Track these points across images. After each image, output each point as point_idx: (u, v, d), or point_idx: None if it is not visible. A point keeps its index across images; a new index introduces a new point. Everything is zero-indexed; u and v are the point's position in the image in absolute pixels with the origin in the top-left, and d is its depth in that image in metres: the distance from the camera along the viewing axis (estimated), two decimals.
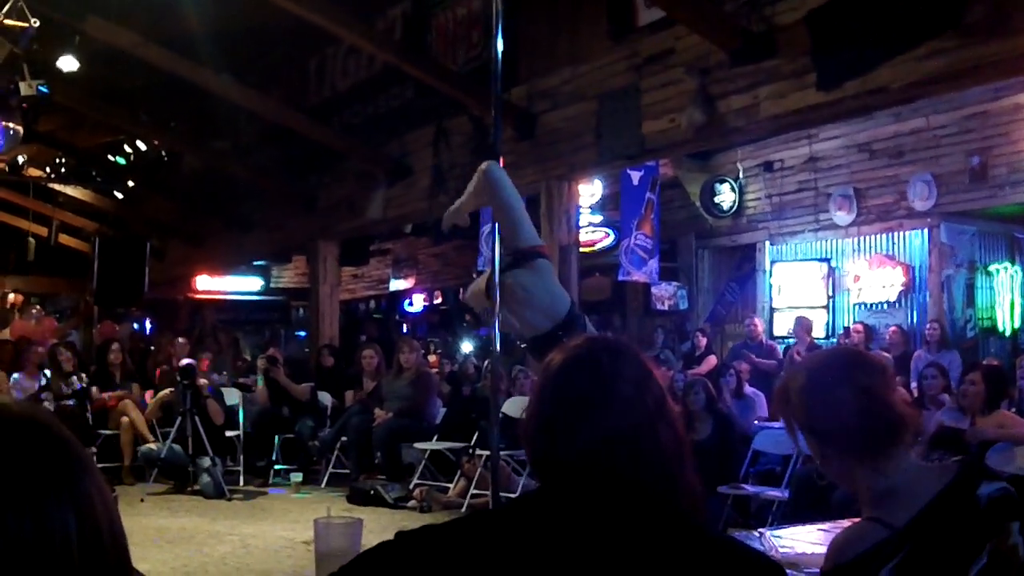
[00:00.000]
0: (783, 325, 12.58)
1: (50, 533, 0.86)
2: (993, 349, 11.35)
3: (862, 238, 12.23)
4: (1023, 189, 10.57)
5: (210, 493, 9.78)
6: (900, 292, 11.77)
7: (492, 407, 4.74)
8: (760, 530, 4.27)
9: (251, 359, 15.27)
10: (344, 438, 10.61)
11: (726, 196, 13.34)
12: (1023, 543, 1.90)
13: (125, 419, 10.88)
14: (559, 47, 10.00)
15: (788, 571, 1.71)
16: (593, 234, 14.10)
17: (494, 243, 4.23)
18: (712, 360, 11.83)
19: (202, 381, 10.39)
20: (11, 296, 19.42)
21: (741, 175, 13.29)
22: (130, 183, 17.04)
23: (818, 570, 2.03)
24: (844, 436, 2.01)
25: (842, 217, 12.23)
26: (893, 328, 11.15)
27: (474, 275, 13.77)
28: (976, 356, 10.58)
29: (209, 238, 17.32)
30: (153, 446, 10.47)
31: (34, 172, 16.10)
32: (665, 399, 1.64)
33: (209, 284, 19.23)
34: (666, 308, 13.97)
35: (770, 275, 13.13)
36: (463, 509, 9.03)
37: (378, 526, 7.58)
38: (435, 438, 10.16)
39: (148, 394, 11.57)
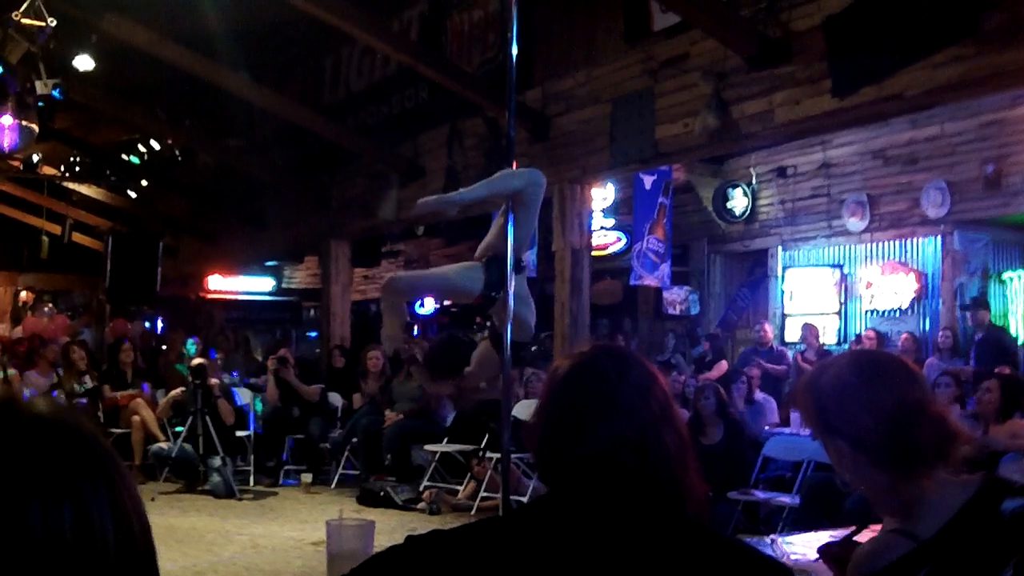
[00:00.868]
0: (795, 331, 12.55)
1: (90, 529, 0.87)
2: None
3: (875, 245, 12.19)
4: None
5: (220, 493, 9.80)
6: (912, 299, 11.72)
7: (503, 410, 4.74)
8: (771, 536, 4.26)
9: (262, 359, 15.31)
10: (354, 439, 10.62)
11: (739, 201, 13.31)
12: None
13: (136, 418, 10.91)
14: (574, 50, 10.00)
15: None
16: (605, 238, 14.08)
17: (506, 257, 4.22)
18: (723, 365, 11.80)
19: (213, 381, 10.41)
20: (23, 293, 19.50)
21: (754, 180, 13.26)
22: (144, 182, 17.08)
23: None
24: (887, 447, 1.90)
25: (855, 223, 12.19)
26: (905, 335, 11.11)
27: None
28: None
29: (222, 236, 17.37)
30: (164, 445, 10.50)
31: (49, 170, 16.18)
32: (670, 404, 1.65)
33: (221, 284, 19.26)
34: (677, 312, 13.94)
35: (782, 281, 13.10)
36: (472, 511, 9.04)
37: (387, 527, 7.59)
38: (445, 440, 10.16)
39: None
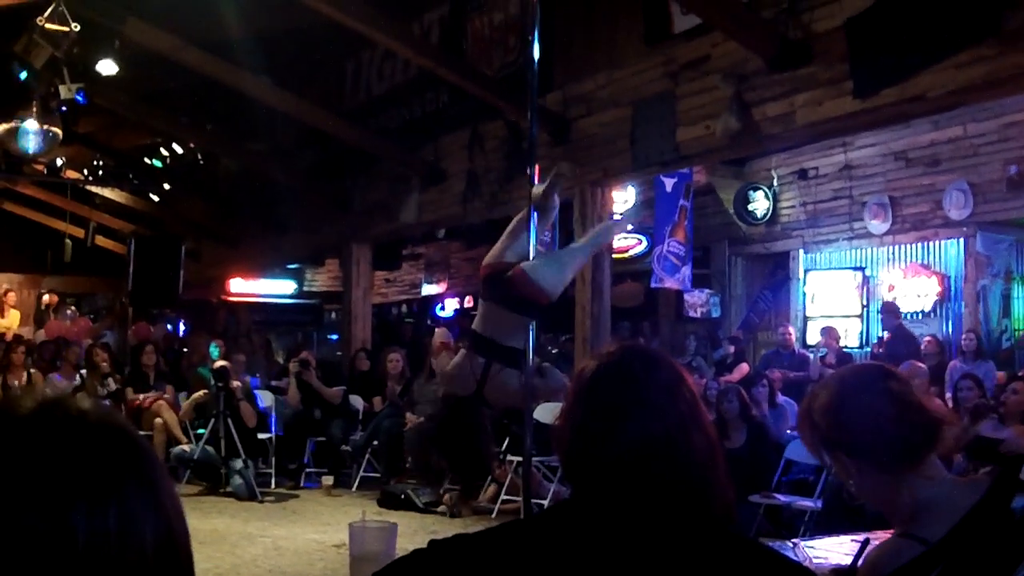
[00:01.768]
0: (816, 334, 12.49)
1: (132, 533, 0.86)
2: None
3: (897, 247, 12.13)
4: None
5: (242, 495, 9.85)
6: (935, 302, 11.66)
7: (524, 413, 4.74)
8: (793, 540, 4.24)
9: (283, 362, 15.36)
10: (375, 442, 10.65)
11: (760, 203, 13.27)
12: None
13: (159, 420, 10.97)
14: (595, 53, 9.99)
15: None
16: (626, 240, 14.07)
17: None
18: (744, 368, 11.77)
19: (235, 383, 10.46)
20: (46, 296, 19.64)
21: (775, 182, 13.22)
22: (166, 185, 17.18)
23: None
24: (881, 446, 1.98)
25: (877, 226, 12.13)
26: (928, 338, 11.03)
27: None
28: (1012, 367, 10.47)
29: (244, 240, 17.44)
30: (186, 447, 10.55)
31: (72, 174, 16.28)
32: (697, 404, 1.64)
33: (243, 286, 19.35)
34: (698, 315, 13.91)
35: (804, 283, 13.05)
36: (493, 514, 9.05)
37: (408, 530, 7.60)
38: None
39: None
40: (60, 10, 9.32)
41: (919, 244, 11.91)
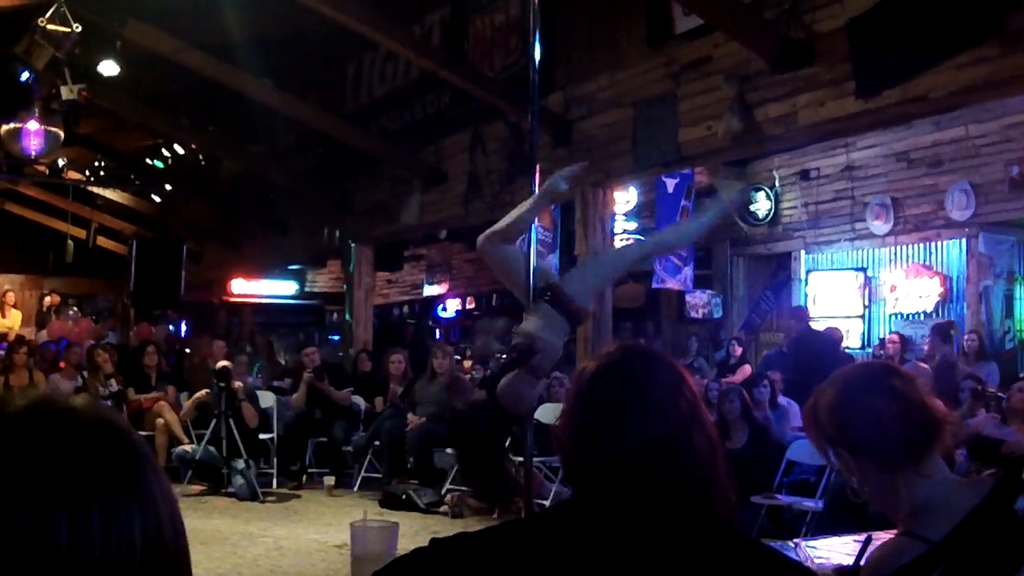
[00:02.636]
0: None
1: (115, 533, 0.84)
2: None
3: (899, 247, 12.13)
4: None
5: (244, 495, 9.85)
6: (937, 302, 11.66)
7: (526, 416, 4.74)
8: (795, 540, 4.23)
9: (284, 363, 15.36)
10: (377, 442, 10.64)
11: (762, 204, 13.27)
12: None
13: (160, 420, 10.97)
14: (596, 54, 9.99)
15: None
16: (627, 241, 14.06)
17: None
18: (747, 369, 11.76)
19: (237, 384, 10.46)
20: (48, 297, 19.66)
21: (777, 183, 13.22)
22: (168, 187, 17.19)
23: None
24: (884, 444, 1.98)
25: (879, 226, 12.13)
26: (929, 339, 11.03)
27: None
28: (1015, 367, 10.47)
29: (245, 241, 17.45)
30: (188, 447, 10.55)
31: (74, 175, 16.29)
32: (699, 404, 1.64)
33: (244, 287, 19.36)
34: (700, 316, 13.91)
35: (805, 284, 13.05)
36: (494, 515, 9.04)
37: (410, 530, 7.59)
38: None
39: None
40: (61, 11, 9.33)
41: (921, 245, 11.91)
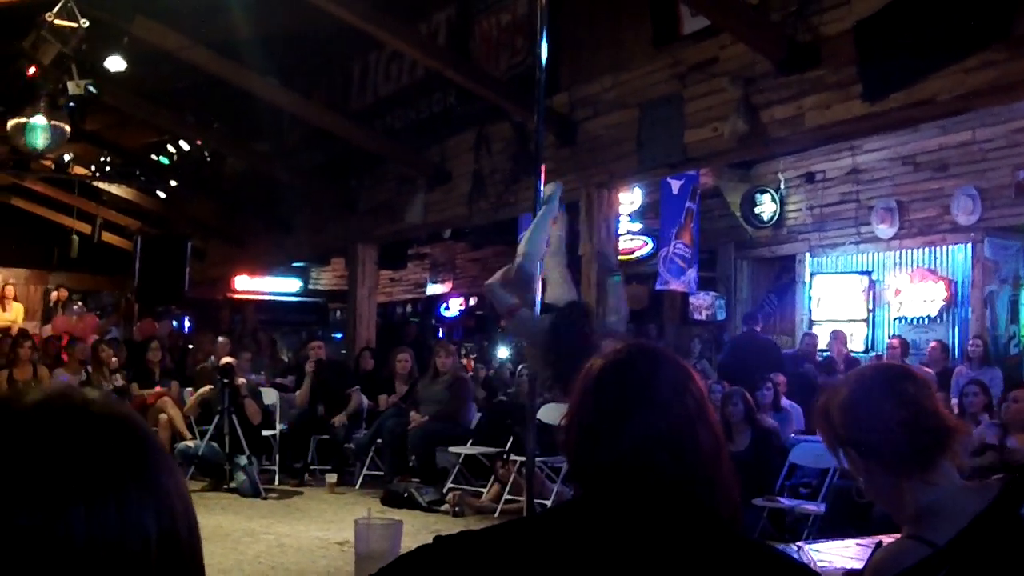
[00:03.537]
0: (822, 338, 12.48)
1: (130, 528, 0.83)
2: None
3: (904, 251, 12.11)
4: None
5: (246, 492, 9.85)
6: (941, 307, 11.64)
7: (528, 413, 4.76)
8: (798, 543, 4.24)
9: (287, 360, 15.38)
10: (379, 440, 10.65)
11: (767, 206, 13.26)
12: None
13: (163, 416, 10.98)
14: (602, 54, 9.98)
15: None
16: (632, 242, 14.07)
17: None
18: None
19: (241, 380, 10.47)
20: (54, 293, 19.69)
21: (782, 186, 13.21)
22: (173, 183, 17.22)
23: None
24: (891, 448, 1.98)
25: (884, 230, 12.11)
26: (933, 344, 11.02)
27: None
28: (1020, 373, 10.44)
29: (250, 239, 17.46)
30: (190, 443, 10.56)
31: (80, 170, 16.32)
32: (705, 402, 1.65)
33: (248, 284, 19.38)
34: (704, 318, 13.90)
35: (810, 287, 13.03)
36: (496, 514, 9.05)
37: (412, 529, 7.59)
38: (470, 443, 10.18)
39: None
40: (69, 6, 9.33)
41: (926, 249, 11.89)
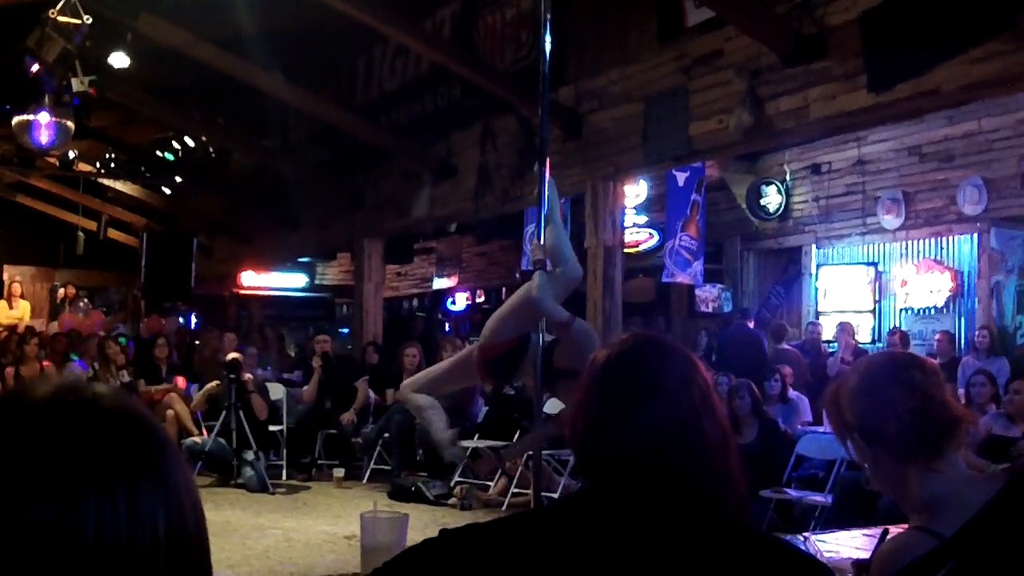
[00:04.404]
0: (828, 330, 12.46)
1: (140, 523, 0.84)
2: None
3: (910, 242, 12.08)
4: None
5: (253, 487, 9.87)
6: (948, 298, 11.61)
7: (534, 407, 4.75)
8: (804, 534, 4.23)
9: (293, 355, 15.39)
10: (387, 434, 10.66)
11: (773, 198, 13.24)
12: None
13: (170, 412, 10.99)
14: (607, 47, 9.97)
15: None
16: (638, 235, 14.06)
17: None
18: None
19: (247, 376, 10.48)
20: (61, 290, 19.74)
21: (788, 177, 13.19)
22: (178, 179, 17.24)
23: None
24: (897, 435, 1.98)
25: (890, 221, 12.09)
26: (939, 335, 11.00)
27: (518, 274, 13.80)
28: None
29: (256, 235, 17.47)
30: (197, 439, 10.58)
31: (85, 167, 16.35)
32: (710, 393, 1.64)
33: (254, 280, 19.40)
34: (710, 310, 13.88)
35: (816, 279, 13.01)
36: (504, 508, 9.05)
37: (419, 523, 7.56)
38: (476, 436, 10.18)
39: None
40: (72, 3, 9.34)
41: (932, 240, 11.87)
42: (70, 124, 11.06)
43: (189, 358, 13.57)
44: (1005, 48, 6.37)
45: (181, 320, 17.75)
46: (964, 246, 11.57)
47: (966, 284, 11.53)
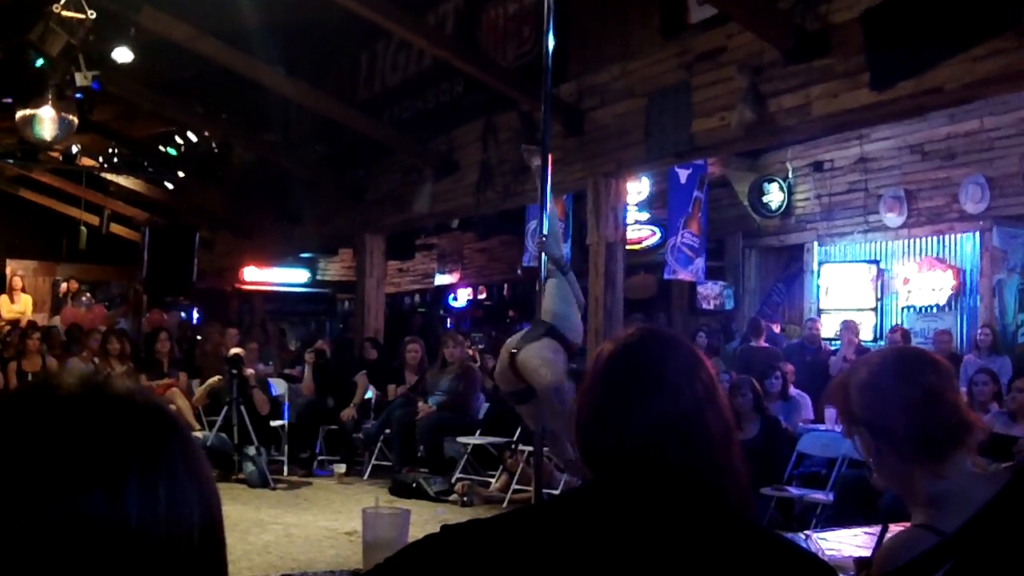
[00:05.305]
0: (830, 327, 12.46)
1: (180, 512, 0.85)
2: None
3: (912, 240, 12.08)
4: None
5: (254, 482, 9.88)
6: (950, 296, 11.61)
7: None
8: (805, 532, 4.24)
9: (295, 350, 15.40)
10: (387, 430, 10.67)
11: (774, 196, 13.24)
12: None
13: (172, 407, 10.98)
14: (609, 43, 9.96)
15: None
16: (639, 232, 14.06)
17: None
18: None
19: (249, 371, 10.49)
20: (63, 284, 19.75)
21: (790, 175, 13.18)
22: (181, 174, 17.24)
23: None
24: (905, 434, 1.96)
25: (892, 219, 12.09)
26: (941, 332, 11.00)
27: (519, 270, 13.79)
28: None
29: (257, 230, 17.48)
30: (199, 434, 10.57)
31: (87, 161, 16.34)
32: (714, 386, 1.64)
33: (256, 275, 19.41)
34: (712, 307, 13.89)
35: (818, 276, 13.01)
36: (504, 504, 9.06)
37: (420, 519, 7.56)
38: (478, 433, 10.19)
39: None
40: None
41: (934, 238, 11.87)
42: (73, 118, 11.06)
43: (191, 353, 13.57)
44: (1008, 46, 6.36)
45: (183, 315, 17.77)
46: (966, 244, 11.57)
47: (968, 282, 11.53)
